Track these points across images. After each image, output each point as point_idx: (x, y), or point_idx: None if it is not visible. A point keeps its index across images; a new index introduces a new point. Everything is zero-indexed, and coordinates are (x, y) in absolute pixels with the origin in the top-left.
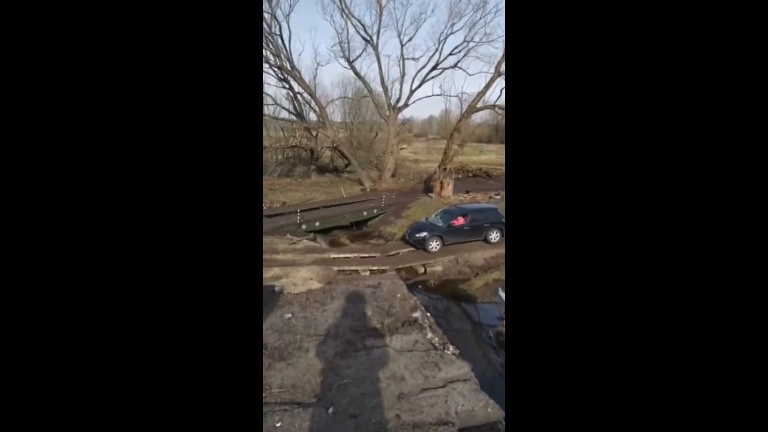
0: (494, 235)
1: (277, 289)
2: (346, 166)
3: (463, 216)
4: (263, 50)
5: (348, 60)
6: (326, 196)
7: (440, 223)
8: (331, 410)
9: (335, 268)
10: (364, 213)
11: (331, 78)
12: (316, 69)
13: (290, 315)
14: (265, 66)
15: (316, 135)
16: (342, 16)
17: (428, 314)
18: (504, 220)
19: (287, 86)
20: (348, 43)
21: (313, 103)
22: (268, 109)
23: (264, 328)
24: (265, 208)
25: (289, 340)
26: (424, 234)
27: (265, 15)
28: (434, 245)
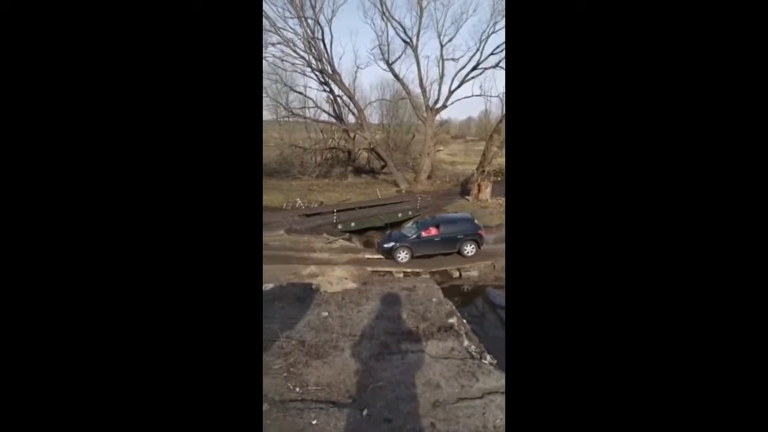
0: (469, 249)
1: (314, 286)
2: (383, 167)
3: (436, 227)
4: (306, 55)
5: (387, 62)
6: (362, 197)
7: (411, 234)
8: (365, 412)
9: (369, 269)
10: (399, 215)
11: (370, 80)
12: (356, 72)
13: (327, 313)
14: (307, 70)
15: (354, 137)
16: (382, 19)
17: (464, 321)
18: (480, 231)
19: (328, 89)
20: (387, 45)
21: (351, 106)
22: (309, 112)
23: (302, 325)
24: (303, 207)
25: (325, 339)
26: (391, 244)
27: (309, 20)
28: (402, 256)
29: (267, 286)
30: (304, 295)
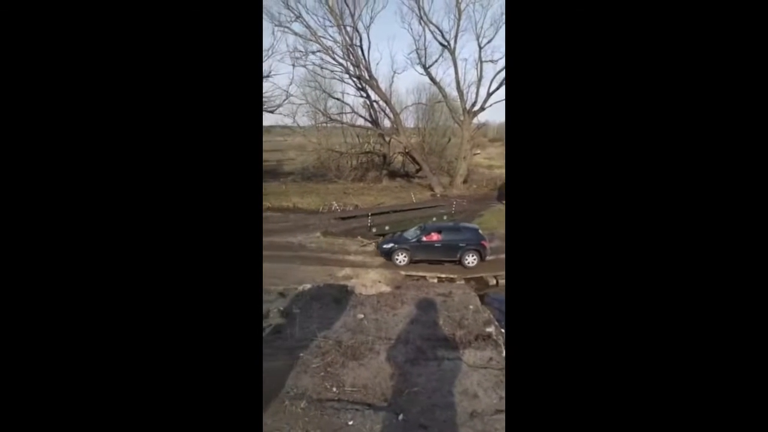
0: (471, 259)
1: (349, 288)
2: (417, 171)
3: (438, 233)
4: (344, 61)
5: (424, 66)
6: (396, 201)
7: (411, 237)
8: (401, 417)
9: (403, 273)
10: (434, 219)
11: (406, 85)
12: (392, 77)
13: (362, 316)
14: (345, 77)
15: (389, 141)
16: (420, 23)
17: (503, 330)
18: (484, 242)
19: (365, 95)
20: (425, 49)
21: (387, 110)
22: (346, 117)
23: (338, 325)
24: (339, 210)
25: (361, 341)
26: (390, 245)
27: (348, 28)
28: (401, 258)
29: (305, 287)
30: (340, 296)
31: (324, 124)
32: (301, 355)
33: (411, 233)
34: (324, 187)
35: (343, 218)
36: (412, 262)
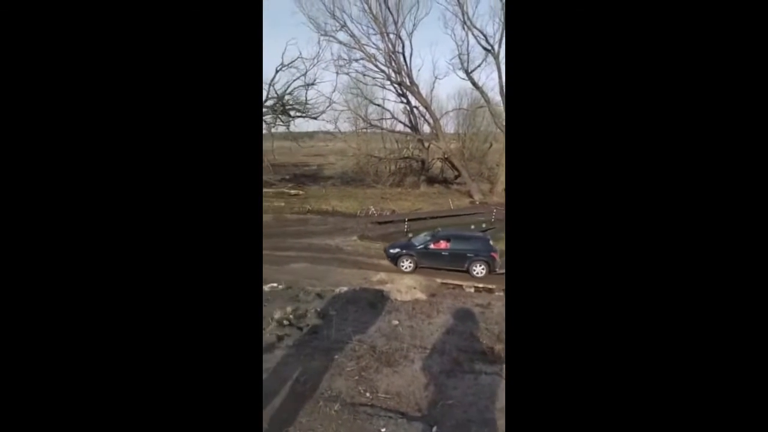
0: (479, 269)
1: (384, 293)
2: (456, 177)
3: (447, 241)
4: (386, 68)
5: (466, 71)
6: (434, 207)
7: (419, 244)
8: (435, 430)
9: (439, 280)
10: (472, 226)
11: (447, 90)
12: (434, 82)
13: (397, 322)
14: (387, 83)
15: (428, 146)
16: (463, 28)
17: None
18: (494, 253)
19: (405, 101)
20: (467, 54)
21: (427, 116)
22: (385, 123)
23: (373, 330)
24: (375, 215)
25: (395, 347)
26: (397, 250)
27: (390, 36)
28: (406, 264)
29: (341, 289)
30: (376, 300)
31: (364, 130)
32: (336, 357)
33: (420, 239)
34: (362, 192)
35: (380, 223)
36: (418, 268)
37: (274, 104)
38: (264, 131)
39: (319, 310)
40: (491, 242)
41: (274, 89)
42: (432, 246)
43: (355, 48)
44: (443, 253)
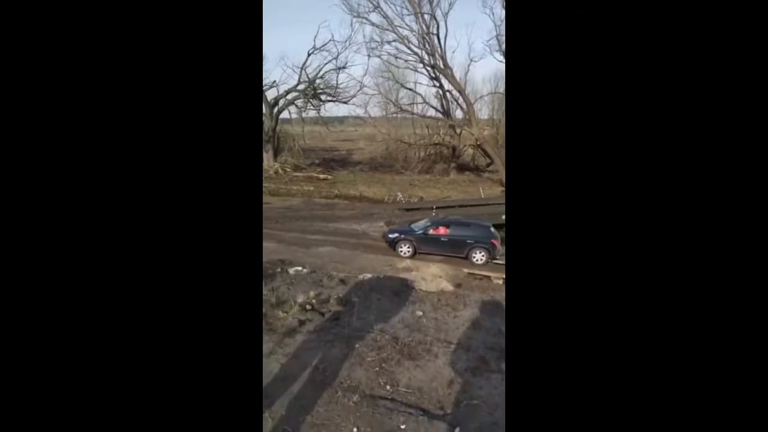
0: (479, 256)
1: (409, 282)
2: (488, 165)
3: (446, 227)
4: (419, 50)
5: (504, 53)
6: (464, 195)
7: (418, 229)
8: (458, 431)
9: (465, 270)
10: (503, 216)
11: (483, 73)
12: (469, 65)
13: (421, 313)
14: (419, 66)
15: (460, 132)
16: (503, 7)
17: None
18: (494, 240)
19: (438, 84)
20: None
21: (461, 100)
22: (417, 108)
23: (396, 320)
24: (403, 201)
25: (419, 340)
26: (395, 235)
27: (425, 16)
28: (404, 249)
29: (365, 276)
30: (400, 289)
31: (394, 115)
32: (357, 346)
33: (420, 224)
34: (390, 178)
35: (408, 210)
36: (417, 254)
37: (306, 88)
38: (294, 115)
39: (342, 296)
40: (492, 229)
41: (306, 73)
42: (431, 231)
43: (387, 29)
44: (442, 239)
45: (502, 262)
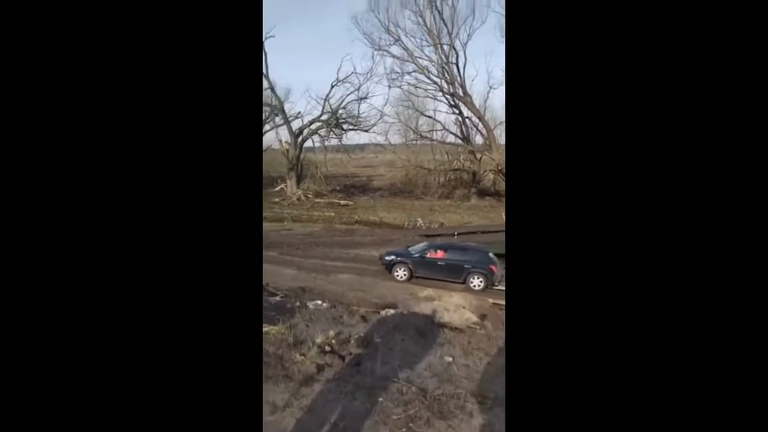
0: (476, 281)
1: (434, 320)
2: None
3: (444, 251)
4: (438, 80)
5: None
6: (485, 221)
7: (415, 252)
8: None
9: (490, 300)
10: None
11: (502, 100)
12: (488, 93)
13: (450, 359)
14: (439, 94)
15: (480, 158)
16: None
17: None
18: (493, 266)
19: (457, 111)
20: None
21: (480, 126)
22: (436, 134)
23: (422, 367)
24: (423, 227)
25: (449, 393)
26: (391, 258)
27: (444, 47)
28: (400, 273)
29: (388, 312)
30: (426, 328)
31: (414, 142)
32: (381, 399)
33: (417, 248)
34: (410, 203)
35: (428, 236)
36: (413, 277)
37: (328, 118)
38: (318, 144)
39: (363, 336)
40: (491, 255)
41: (329, 104)
42: (428, 255)
43: (407, 61)
44: (439, 263)
45: (503, 288)
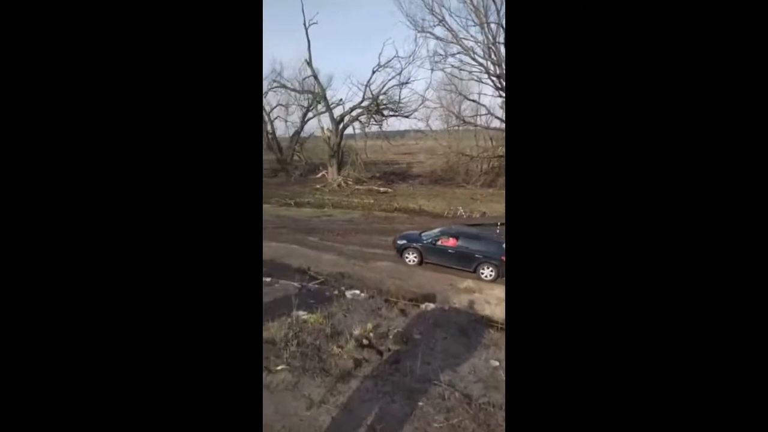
0: (487, 272)
1: (477, 317)
2: None
3: (456, 238)
4: (484, 61)
5: None
6: None
7: (426, 238)
8: None
9: None
10: None
11: None
12: None
13: (497, 363)
14: (484, 76)
15: None
16: None
17: None
18: (504, 257)
19: (503, 95)
20: None
21: None
22: (480, 119)
23: (466, 370)
24: (464, 216)
25: (496, 401)
26: (403, 242)
27: (492, 25)
28: (410, 258)
29: (428, 306)
30: (469, 327)
31: (456, 128)
32: (421, 404)
33: (431, 233)
34: (451, 192)
35: (469, 225)
36: (423, 263)
37: (369, 105)
38: (358, 131)
39: (402, 331)
40: (504, 246)
41: (370, 90)
42: (440, 242)
43: (452, 42)
44: (449, 250)
45: None
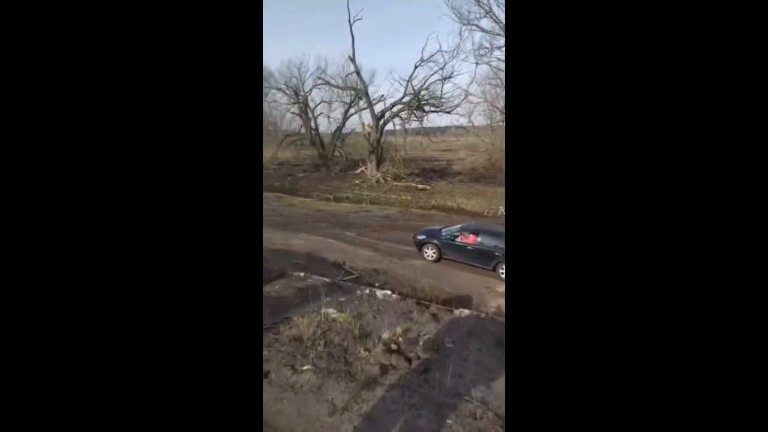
0: (504, 270)
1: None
2: None
3: (476, 235)
4: None
5: None
6: None
7: (446, 234)
8: None
9: None
10: None
11: None
12: None
13: None
14: None
15: None
16: None
17: None
18: None
19: None
20: None
21: None
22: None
23: (500, 387)
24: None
25: None
26: (423, 237)
27: None
28: (429, 253)
29: (462, 312)
30: (494, 328)
31: (500, 123)
32: (450, 422)
33: (451, 229)
34: (492, 191)
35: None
36: (442, 259)
37: (410, 100)
38: (398, 126)
39: (433, 338)
40: None
41: (411, 85)
42: (459, 239)
43: (498, 35)
44: (468, 247)
45: None
